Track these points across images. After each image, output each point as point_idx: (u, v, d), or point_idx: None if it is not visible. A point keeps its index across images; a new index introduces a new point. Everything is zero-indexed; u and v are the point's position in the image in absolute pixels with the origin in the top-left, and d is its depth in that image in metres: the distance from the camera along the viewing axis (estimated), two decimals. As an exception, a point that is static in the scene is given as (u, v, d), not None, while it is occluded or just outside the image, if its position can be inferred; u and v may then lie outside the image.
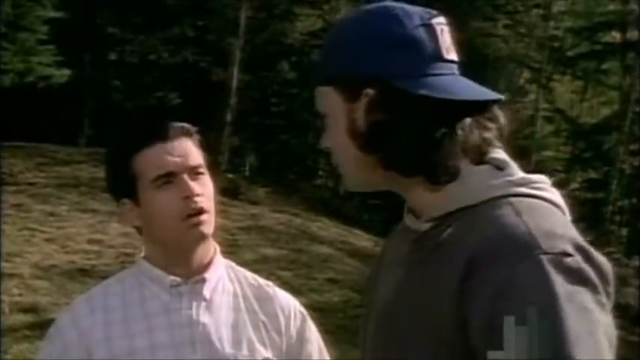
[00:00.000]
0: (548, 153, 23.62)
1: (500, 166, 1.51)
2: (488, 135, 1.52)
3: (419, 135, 1.48)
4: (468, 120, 1.50)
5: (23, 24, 15.15)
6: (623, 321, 13.08)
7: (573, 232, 1.44)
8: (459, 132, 1.49)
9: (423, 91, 1.47)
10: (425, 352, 1.43)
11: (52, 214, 12.97)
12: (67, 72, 15.46)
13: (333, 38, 1.58)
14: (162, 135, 2.09)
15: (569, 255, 1.38)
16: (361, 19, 1.55)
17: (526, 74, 23.32)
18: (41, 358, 2.16)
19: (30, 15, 15.20)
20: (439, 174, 1.50)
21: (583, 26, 23.10)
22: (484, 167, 1.51)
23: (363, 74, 1.51)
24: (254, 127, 20.34)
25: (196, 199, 2.06)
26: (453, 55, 1.54)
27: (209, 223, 2.09)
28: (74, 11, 16.66)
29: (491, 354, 1.31)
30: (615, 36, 23.16)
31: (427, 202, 1.53)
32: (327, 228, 15.31)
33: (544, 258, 1.37)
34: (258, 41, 19.94)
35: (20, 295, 10.00)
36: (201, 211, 2.07)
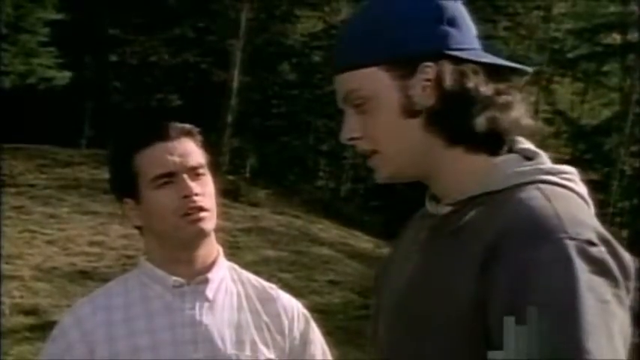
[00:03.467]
0: (549, 154, 23.60)
1: (529, 157, 1.52)
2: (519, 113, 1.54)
3: (485, 104, 1.49)
4: (518, 94, 1.54)
5: (24, 25, 15.15)
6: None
7: (598, 224, 1.43)
8: (515, 104, 1.52)
9: (484, 60, 1.50)
10: (442, 335, 1.42)
11: (52, 216, 12.98)
12: (67, 74, 15.45)
13: (372, 17, 1.54)
14: (163, 135, 2.11)
15: (594, 244, 1.37)
16: None
17: (527, 75, 23.26)
18: (44, 359, 2.17)
19: (31, 16, 15.20)
20: (500, 146, 1.51)
21: (583, 28, 23.08)
22: (513, 155, 1.52)
23: (419, 49, 1.49)
24: (255, 129, 20.34)
25: (195, 198, 2.07)
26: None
27: (209, 220, 2.10)
28: (75, 13, 16.66)
29: (491, 354, 1.30)
30: (616, 37, 23.14)
31: (456, 183, 1.51)
32: (327, 230, 15.31)
33: (569, 243, 1.36)
34: (258, 43, 19.94)
35: (21, 297, 10.01)
36: (200, 209, 2.08)
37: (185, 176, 2.08)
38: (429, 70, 1.48)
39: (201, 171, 2.12)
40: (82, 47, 18.27)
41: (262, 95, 20.89)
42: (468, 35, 1.53)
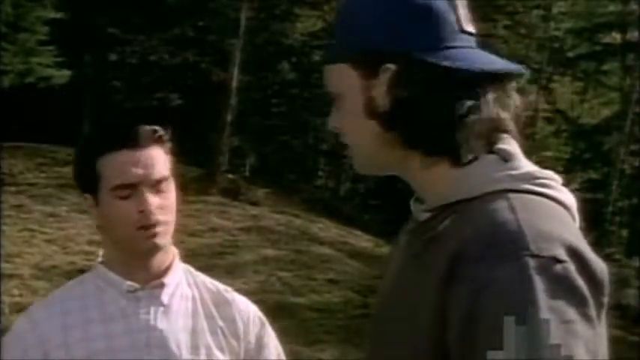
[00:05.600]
0: (549, 154, 23.58)
1: (506, 159, 1.44)
2: (505, 115, 1.46)
3: (445, 110, 1.41)
4: (491, 95, 1.43)
5: (23, 24, 15.15)
6: (623, 321, 13.06)
7: (572, 235, 1.36)
8: (483, 107, 1.42)
9: (446, 63, 1.40)
10: (411, 346, 1.39)
11: (52, 215, 12.98)
12: (67, 72, 15.45)
13: (347, 12, 1.50)
14: (131, 141, 2.07)
15: (560, 261, 1.30)
16: None
17: (526, 75, 23.28)
18: None
19: (30, 15, 15.19)
20: (463, 153, 1.42)
21: (583, 27, 23.09)
22: (491, 157, 1.44)
23: (383, 48, 1.43)
24: (254, 128, 20.33)
25: (153, 211, 2.05)
26: (471, 27, 1.49)
27: (164, 234, 2.08)
28: (74, 12, 16.65)
29: (491, 354, 1.28)
30: (615, 37, 23.16)
31: (431, 189, 1.46)
32: (327, 229, 15.31)
33: (530, 261, 1.30)
34: (258, 42, 19.94)
35: (20, 295, 10.01)
36: (156, 224, 2.05)
37: (145, 189, 2.05)
38: (389, 71, 1.42)
39: (164, 184, 2.08)
40: (82, 46, 18.27)
41: (262, 94, 20.89)
42: (446, 33, 1.44)
